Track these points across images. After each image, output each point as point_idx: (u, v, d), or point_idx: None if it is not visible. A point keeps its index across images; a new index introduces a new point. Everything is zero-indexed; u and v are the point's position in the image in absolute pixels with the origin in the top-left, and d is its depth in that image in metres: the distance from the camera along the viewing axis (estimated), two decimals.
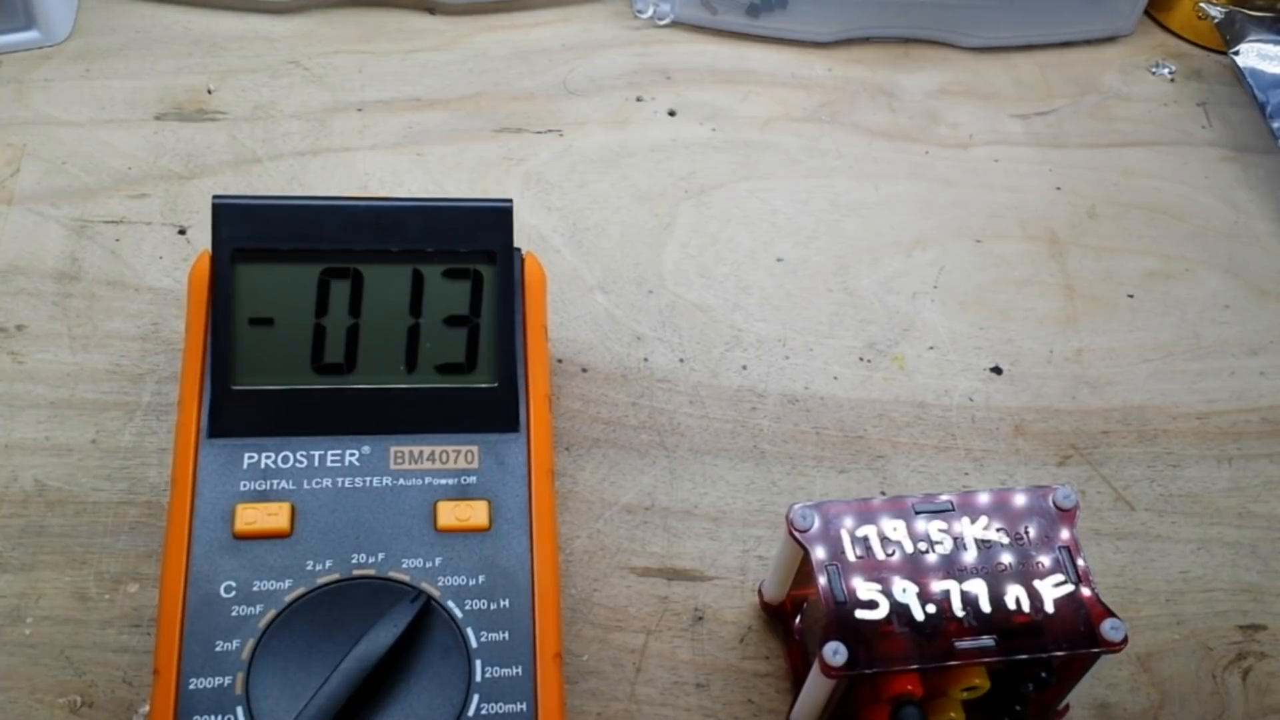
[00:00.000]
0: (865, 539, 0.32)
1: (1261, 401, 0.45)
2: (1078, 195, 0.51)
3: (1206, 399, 0.45)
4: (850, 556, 0.31)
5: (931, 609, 0.31)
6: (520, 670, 0.31)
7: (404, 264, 0.35)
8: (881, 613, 0.31)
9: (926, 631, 0.30)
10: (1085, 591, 0.31)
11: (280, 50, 0.52)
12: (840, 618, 0.30)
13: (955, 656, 0.30)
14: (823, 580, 0.31)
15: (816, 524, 0.32)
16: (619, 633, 0.37)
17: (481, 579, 0.33)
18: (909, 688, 0.30)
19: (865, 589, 0.31)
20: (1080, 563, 0.32)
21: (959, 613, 0.31)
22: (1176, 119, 0.55)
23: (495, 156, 0.49)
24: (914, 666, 0.30)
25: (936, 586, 0.31)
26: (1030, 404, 0.44)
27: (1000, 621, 0.31)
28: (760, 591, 0.37)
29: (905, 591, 0.31)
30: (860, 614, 0.31)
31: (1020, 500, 0.33)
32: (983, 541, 0.32)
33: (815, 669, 0.30)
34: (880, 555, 0.32)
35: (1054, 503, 0.33)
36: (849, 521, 0.32)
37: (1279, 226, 0.51)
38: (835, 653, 0.29)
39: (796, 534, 0.32)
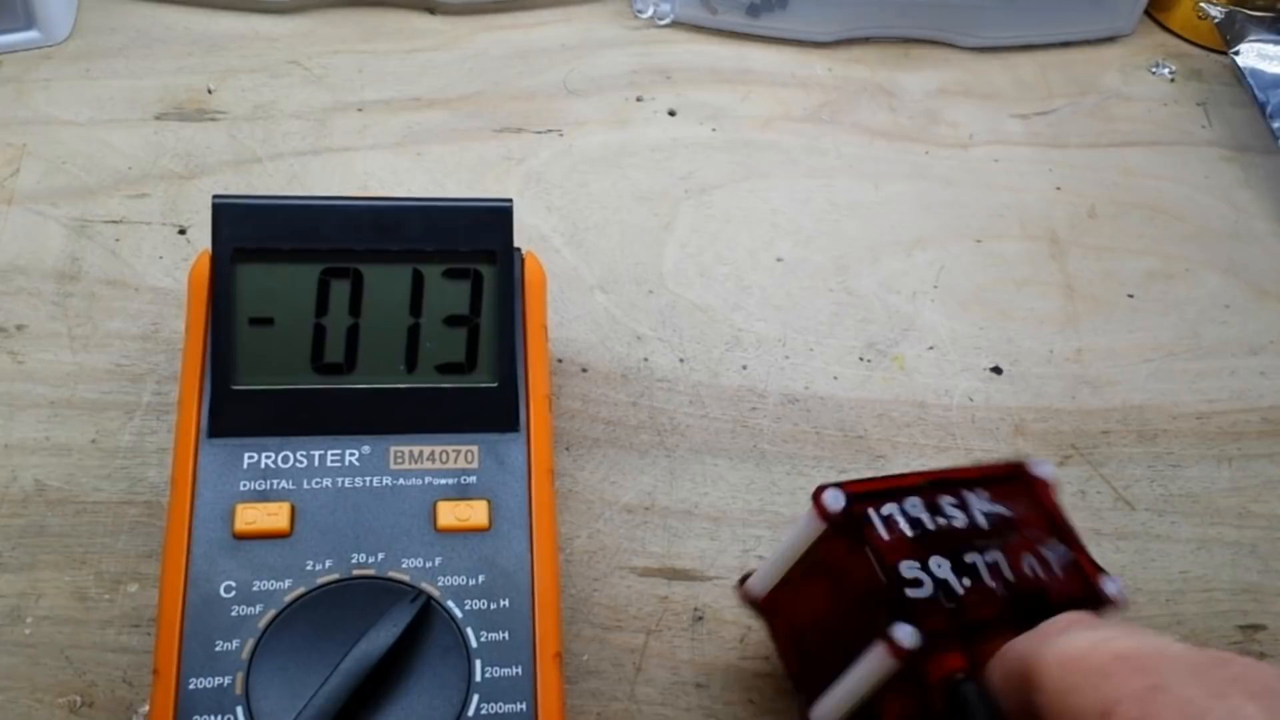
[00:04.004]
0: (890, 517, 0.31)
1: (1261, 401, 0.45)
2: (1078, 195, 0.51)
3: (1206, 399, 0.45)
4: (885, 536, 0.31)
5: (967, 582, 0.30)
6: (520, 670, 0.31)
7: (404, 264, 0.35)
8: (928, 590, 0.30)
9: (968, 605, 0.30)
10: (1078, 554, 0.31)
11: (280, 50, 0.52)
12: (897, 599, 0.29)
13: (996, 627, 0.29)
14: (872, 562, 0.30)
15: (845, 506, 0.31)
16: (619, 633, 0.37)
17: (481, 579, 0.33)
18: (957, 665, 0.29)
19: (907, 568, 0.30)
20: (1070, 525, 0.32)
21: (990, 583, 0.30)
22: (1176, 119, 0.55)
23: (495, 156, 0.49)
24: (978, 640, 0.29)
25: (966, 559, 0.30)
26: (1030, 404, 0.44)
27: (1023, 589, 0.30)
28: (744, 585, 0.35)
29: (941, 567, 0.30)
30: (911, 593, 0.29)
31: (997, 470, 0.33)
32: (989, 513, 0.32)
33: (871, 658, 0.29)
34: (909, 533, 0.31)
35: (1031, 473, 0.33)
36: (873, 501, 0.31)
37: (1279, 226, 0.51)
38: (908, 635, 0.28)
39: (829, 517, 0.30)
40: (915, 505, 0.31)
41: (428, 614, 0.31)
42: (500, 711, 0.31)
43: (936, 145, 0.52)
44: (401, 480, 0.34)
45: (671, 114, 0.52)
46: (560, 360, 0.43)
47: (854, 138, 0.52)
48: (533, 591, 0.33)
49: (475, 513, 0.34)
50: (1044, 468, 0.33)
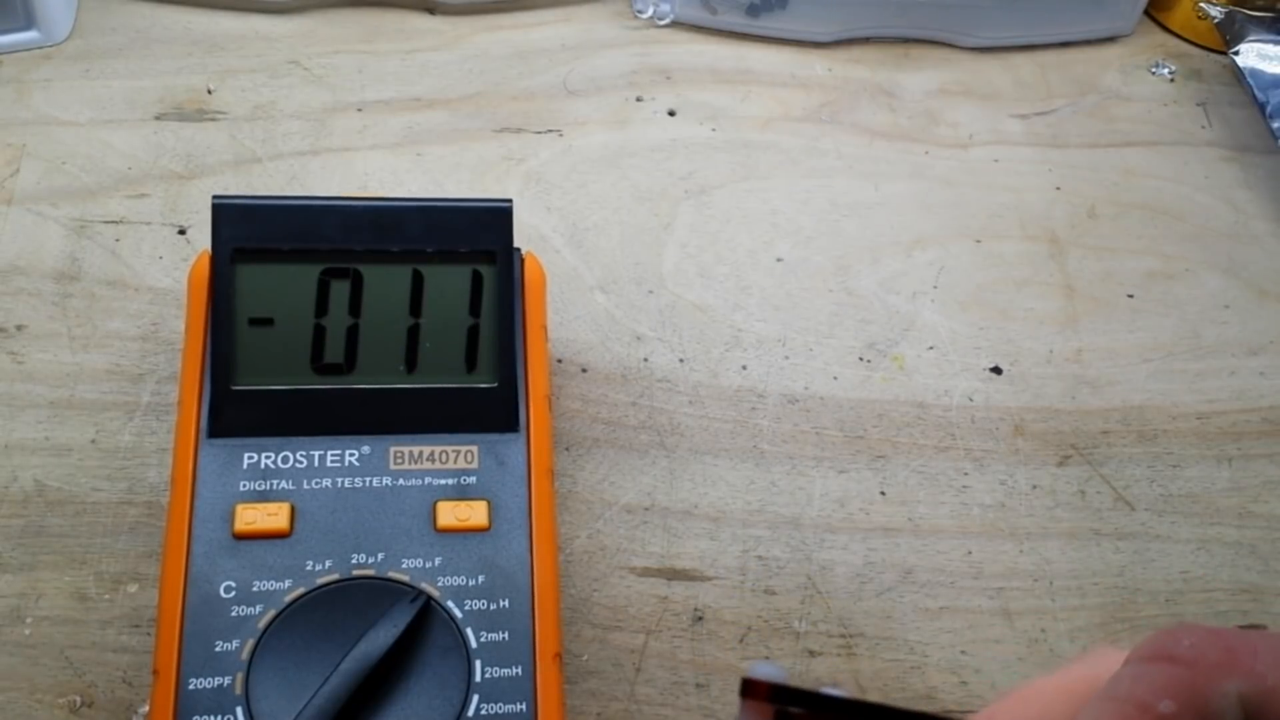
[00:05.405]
0: None
1: (1261, 401, 0.45)
2: (1078, 195, 0.51)
3: (1206, 399, 0.45)
4: None
5: None
6: (520, 670, 0.31)
7: (404, 264, 0.35)
8: None
9: None
10: None
11: (280, 50, 0.52)
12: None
13: None
14: None
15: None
16: (619, 633, 0.37)
17: (481, 579, 0.33)
18: None
19: None
20: None
21: None
22: (1176, 119, 0.55)
23: (495, 156, 0.49)
24: None
25: None
26: (1030, 404, 0.44)
27: None
28: None
29: None
30: None
31: None
32: None
33: None
34: None
35: None
36: None
37: (1279, 226, 0.51)
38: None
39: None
40: None
41: (428, 614, 0.31)
42: (500, 712, 0.31)
43: (936, 145, 0.52)
44: (401, 480, 0.34)
45: (671, 114, 0.52)
46: (560, 360, 0.43)
47: (854, 138, 0.52)
48: (532, 592, 0.33)
49: (475, 513, 0.34)
50: None
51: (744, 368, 0.43)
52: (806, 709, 0.21)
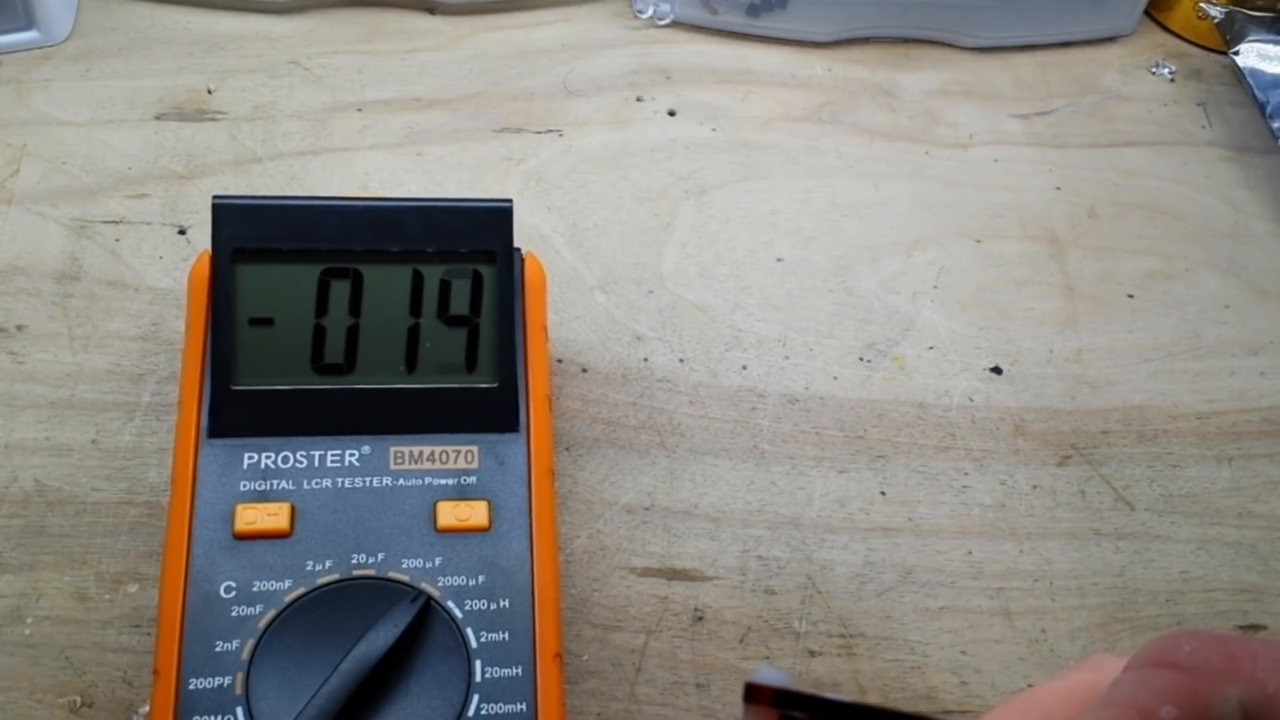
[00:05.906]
0: None
1: (1261, 401, 0.45)
2: (1078, 195, 0.51)
3: (1206, 399, 0.45)
4: None
5: None
6: (520, 670, 0.31)
7: (404, 264, 0.35)
8: None
9: None
10: None
11: (280, 50, 0.52)
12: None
13: None
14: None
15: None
16: (619, 633, 0.37)
17: (481, 579, 0.33)
18: None
19: None
20: None
21: None
22: (1176, 119, 0.55)
23: (495, 156, 0.49)
24: None
25: None
26: (1030, 404, 0.44)
27: None
28: None
29: None
30: None
31: None
32: None
33: None
34: None
35: None
36: None
37: (1279, 226, 0.51)
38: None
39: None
40: None
41: (428, 614, 0.31)
42: (500, 712, 0.31)
43: (936, 145, 0.52)
44: (401, 480, 0.34)
45: (671, 114, 0.51)
46: (560, 360, 0.43)
47: (854, 138, 0.52)
48: (533, 592, 0.33)
49: (475, 513, 0.34)
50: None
51: (744, 368, 0.43)
52: (809, 713, 0.21)
